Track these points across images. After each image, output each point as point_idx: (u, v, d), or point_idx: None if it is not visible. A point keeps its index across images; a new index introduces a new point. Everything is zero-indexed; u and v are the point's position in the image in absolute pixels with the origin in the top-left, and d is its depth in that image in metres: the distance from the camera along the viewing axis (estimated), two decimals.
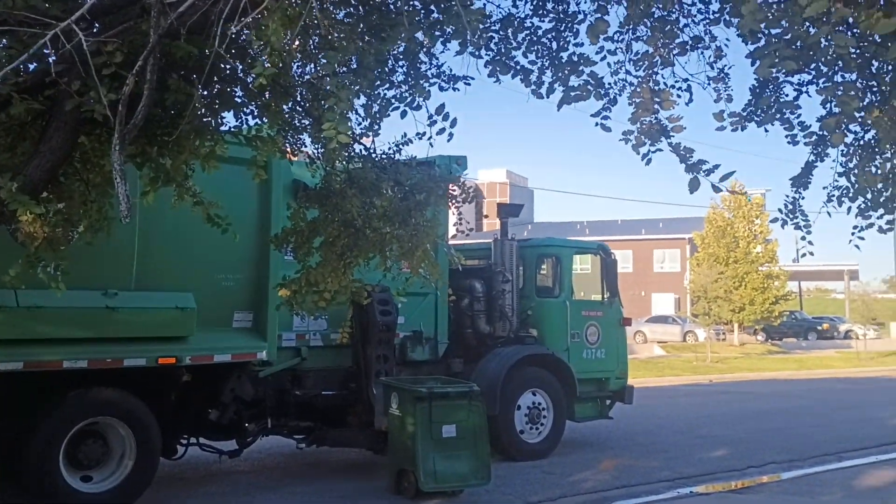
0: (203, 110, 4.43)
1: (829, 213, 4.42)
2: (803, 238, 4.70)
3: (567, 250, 11.81)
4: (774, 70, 3.30)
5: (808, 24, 3.26)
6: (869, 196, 4.18)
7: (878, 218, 4.35)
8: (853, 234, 4.55)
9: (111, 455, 7.42)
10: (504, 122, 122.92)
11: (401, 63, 4.49)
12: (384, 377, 9.00)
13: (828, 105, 3.88)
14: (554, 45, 4.82)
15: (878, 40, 3.51)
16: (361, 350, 9.30)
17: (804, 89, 4.00)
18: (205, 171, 5.05)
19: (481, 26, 4.20)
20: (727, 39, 4.85)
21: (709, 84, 4.49)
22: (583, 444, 11.58)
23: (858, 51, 3.58)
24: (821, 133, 3.99)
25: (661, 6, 4.23)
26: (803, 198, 4.65)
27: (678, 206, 77.05)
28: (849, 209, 4.40)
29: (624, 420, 12.91)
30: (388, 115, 4.62)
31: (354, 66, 4.13)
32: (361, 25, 4.33)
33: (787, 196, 4.69)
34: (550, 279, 11.74)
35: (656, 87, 4.23)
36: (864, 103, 3.70)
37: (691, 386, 23.53)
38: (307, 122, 4.95)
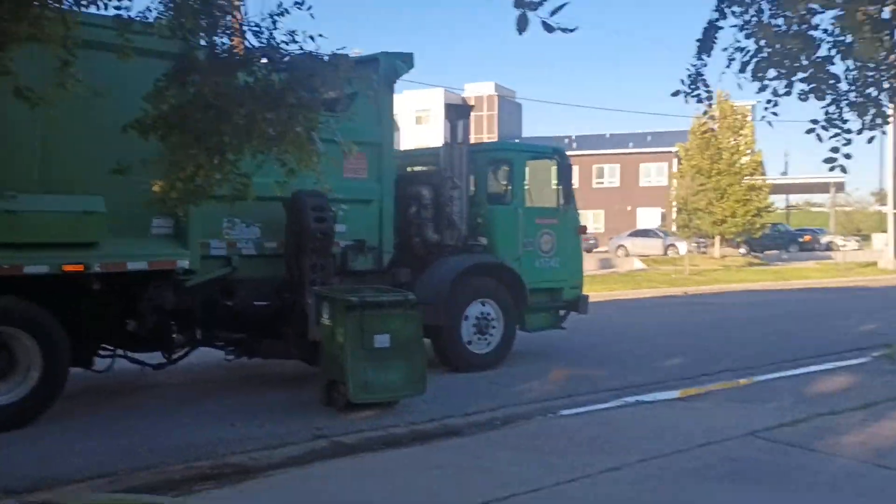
0: None
1: (739, 84, 3.91)
2: (705, 113, 4.19)
3: (520, 155, 11.26)
4: None
5: None
6: (776, 58, 3.65)
7: (770, 80, 3.82)
8: (766, 109, 4.05)
9: (16, 367, 7.04)
10: (494, 35, 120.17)
11: None
12: (319, 287, 8.59)
13: None
14: None
15: None
16: (295, 259, 8.85)
17: None
18: (64, 49, 4.46)
19: None
20: None
21: None
22: (536, 355, 11.30)
23: None
24: None
25: None
26: (706, 65, 4.12)
27: (667, 117, 76.28)
28: (752, 73, 3.86)
29: (583, 331, 12.64)
30: None
31: None
32: None
33: (690, 67, 4.16)
34: (503, 185, 11.23)
35: None
36: None
37: (664, 298, 23.36)
38: None
